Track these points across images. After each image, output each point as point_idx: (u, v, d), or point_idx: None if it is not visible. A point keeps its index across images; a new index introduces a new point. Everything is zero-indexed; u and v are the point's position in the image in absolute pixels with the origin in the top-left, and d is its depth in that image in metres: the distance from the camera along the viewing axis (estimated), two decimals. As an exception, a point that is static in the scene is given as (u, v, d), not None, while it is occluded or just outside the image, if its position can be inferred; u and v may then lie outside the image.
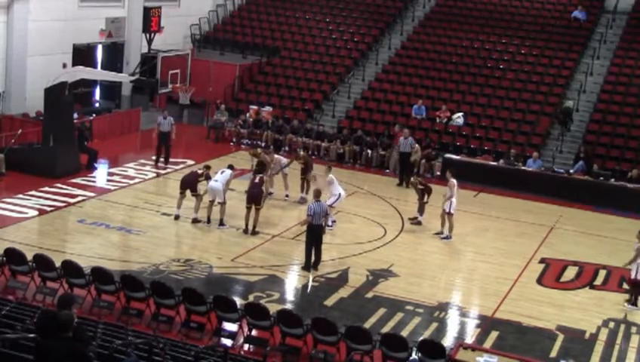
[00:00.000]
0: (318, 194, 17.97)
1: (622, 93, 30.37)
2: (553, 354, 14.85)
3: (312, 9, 37.03)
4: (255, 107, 30.93)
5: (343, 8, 36.82)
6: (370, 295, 16.88)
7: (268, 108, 30.92)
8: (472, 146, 28.56)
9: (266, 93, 32.65)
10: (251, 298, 15.89)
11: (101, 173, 24.44)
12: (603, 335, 15.89)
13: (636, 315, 16.87)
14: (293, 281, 17.66)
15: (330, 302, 16.39)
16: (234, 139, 29.75)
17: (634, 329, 16.23)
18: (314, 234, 17.68)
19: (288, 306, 15.71)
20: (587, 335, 15.81)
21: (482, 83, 31.64)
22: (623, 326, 16.33)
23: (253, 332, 14.30)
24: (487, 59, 32.80)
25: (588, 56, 32.75)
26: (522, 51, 33.07)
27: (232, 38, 36.09)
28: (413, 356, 13.19)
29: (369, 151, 28.29)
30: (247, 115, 30.51)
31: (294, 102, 32.07)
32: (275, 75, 33.79)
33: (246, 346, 14.14)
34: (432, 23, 35.73)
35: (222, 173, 20.48)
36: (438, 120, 29.87)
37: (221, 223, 20.19)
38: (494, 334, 15.43)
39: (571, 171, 26.59)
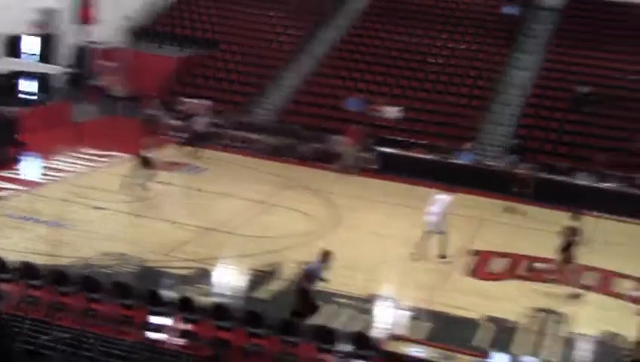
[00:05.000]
0: None
1: (554, 88, 30.96)
2: (483, 344, 15.09)
3: (252, 2, 36.91)
4: (192, 100, 30.75)
5: (282, 2, 36.79)
6: (302, 287, 16.94)
7: (205, 102, 30.77)
8: (407, 140, 28.81)
9: (203, 86, 32.49)
10: (183, 292, 15.81)
11: (30, 166, 24.05)
12: (531, 324, 16.23)
13: (559, 305, 17.27)
14: (226, 275, 17.63)
15: (263, 295, 16.43)
16: (168, 133, 29.48)
17: (557, 318, 16.62)
18: None
19: (221, 300, 15.68)
20: (516, 325, 16.12)
21: (418, 77, 31.93)
22: (550, 316, 16.71)
23: (185, 326, 14.24)
24: (424, 54, 33.14)
25: (520, 50, 33.32)
26: (458, 46, 33.49)
27: (170, 31, 35.82)
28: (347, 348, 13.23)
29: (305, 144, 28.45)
30: (183, 108, 30.34)
31: (232, 95, 31.95)
32: (213, 68, 33.67)
33: (177, 340, 14.07)
34: (372, 17, 36.00)
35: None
36: (374, 113, 30.07)
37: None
38: (425, 325, 15.59)
39: (504, 165, 27.04)
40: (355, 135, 27.91)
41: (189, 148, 27.09)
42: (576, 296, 17.73)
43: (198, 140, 27.53)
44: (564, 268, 18.36)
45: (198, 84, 32.71)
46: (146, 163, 21.79)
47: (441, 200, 19.50)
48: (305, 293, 14.58)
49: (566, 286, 18.04)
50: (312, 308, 14.63)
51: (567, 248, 18.06)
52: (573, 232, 18.07)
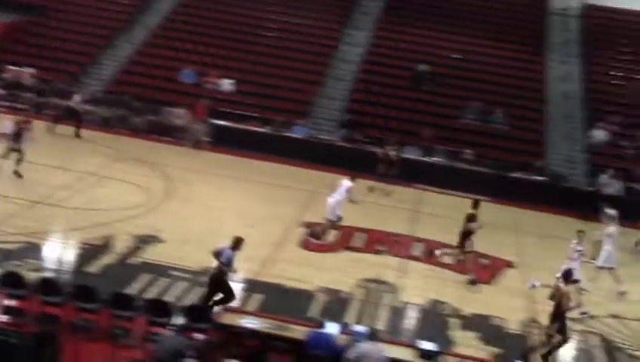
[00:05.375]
0: None
1: (384, 64, 31.74)
2: (314, 313, 15.45)
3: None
4: (16, 68, 29.49)
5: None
6: (135, 261, 16.77)
7: (30, 70, 29.56)
8: (240, 113, 28.77)
9: (27, 53, 31.14)
10: (8, 266, 15.25)
11: None
12: (358, 294, 16.75)
13: (388, 275, 17.92)
14: (54, 248, 17.13)
15: (93, 268, 16.11)
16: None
17: (386, 288, 17.25)
18: None
19: (48, 274, 15.26)
20: (344, 294, 16.59)
21: (253, 50, 31.95)
22: (377, 286, 17.30)
23: (10, 302, 13.76)
24: (258, 27, 33.19)
25: (353, 27, 33.96)
26: (292, 21, 33.73)
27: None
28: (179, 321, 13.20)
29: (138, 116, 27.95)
30: (7, 75, 29.08)
31: (59, 64, 30.82)
32: (39, 35, 32.30)
33: (2, 317, 13.58)
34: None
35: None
36: (207, 85, 29.87)
37: None
38: (258, 297, 15.79)
39: (335, 138, 27.59)
40: (201, 109, 27.61)
41: (69, 127, 26.04)
42: (473, 282, 18.28)
43: (74, 118, 26.45)
44: (462, 255, 18.74)
45: (21, 51, 31.29)
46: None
47: (342, 186, 19.74)
48: (218, 281, 14.40)
49: (463, 273, 18.60)
50: (228, 295, 14.44)
51: (465, 235, 18.47)
52: (472, 219, 18.45)
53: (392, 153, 25.17)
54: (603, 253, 18.77)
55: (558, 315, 14.58)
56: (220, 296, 14.44)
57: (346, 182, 19.80)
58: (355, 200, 19.82)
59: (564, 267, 16.26)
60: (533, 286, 15.76)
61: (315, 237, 19.52)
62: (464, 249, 18.48)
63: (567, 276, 15.06)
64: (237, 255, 14.48)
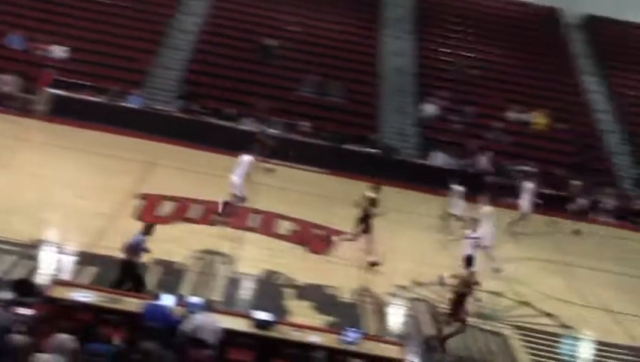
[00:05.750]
0: None
1: (222, 35, 31.52)
2: (149, 285, 15.23)
3: None
4: None
5: None
6: (-45, 235, 15.99)
7: None
8: (74, 81, 27.79)
9: None
10: None
11: None
12: (195, 266, 16.69)
13: (224, 247, 17.95)
14: None
15: None
16: None
17: (222, 259, 17.29)
18: None
19: None
20: (180, 265, 16.48)
21: (88, 17, 30.90)
22: (212, 257, 17.30)
23: None
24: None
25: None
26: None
27: None
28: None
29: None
30: None
31: None
32: None
33: None
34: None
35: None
36: (36, 52, 28.67)
37: None
38: (92, 270, 15.40)
39: (172, 109, 27.24)
40: (45, 78, 26.44)
41: None
42: (374, 264, 18.24)
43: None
44: (361, 238, 18.53)
45: None
46: None
47: (243, 162, 19.30)
48: (129, 266, 13.97)
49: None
50: (139, 280, 14.07)
51: (364, 219, 18.36)
52: (372, 203, 18.34)
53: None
54: (487, 234, 18.96)
55: (461, 301, 14.75)
56: (129, 284, 14.03)
57: (246, 158, 19.53)
58: (251, 176, 19.64)
59: (465, 254, 16.46)
60: (442, 280, 15.63)
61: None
62: (364, 232, 18.44)
63: (469, 262, 15.33)
64: (147, 239, 14.22)
